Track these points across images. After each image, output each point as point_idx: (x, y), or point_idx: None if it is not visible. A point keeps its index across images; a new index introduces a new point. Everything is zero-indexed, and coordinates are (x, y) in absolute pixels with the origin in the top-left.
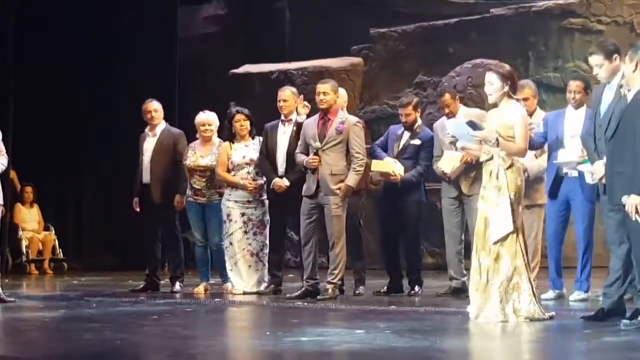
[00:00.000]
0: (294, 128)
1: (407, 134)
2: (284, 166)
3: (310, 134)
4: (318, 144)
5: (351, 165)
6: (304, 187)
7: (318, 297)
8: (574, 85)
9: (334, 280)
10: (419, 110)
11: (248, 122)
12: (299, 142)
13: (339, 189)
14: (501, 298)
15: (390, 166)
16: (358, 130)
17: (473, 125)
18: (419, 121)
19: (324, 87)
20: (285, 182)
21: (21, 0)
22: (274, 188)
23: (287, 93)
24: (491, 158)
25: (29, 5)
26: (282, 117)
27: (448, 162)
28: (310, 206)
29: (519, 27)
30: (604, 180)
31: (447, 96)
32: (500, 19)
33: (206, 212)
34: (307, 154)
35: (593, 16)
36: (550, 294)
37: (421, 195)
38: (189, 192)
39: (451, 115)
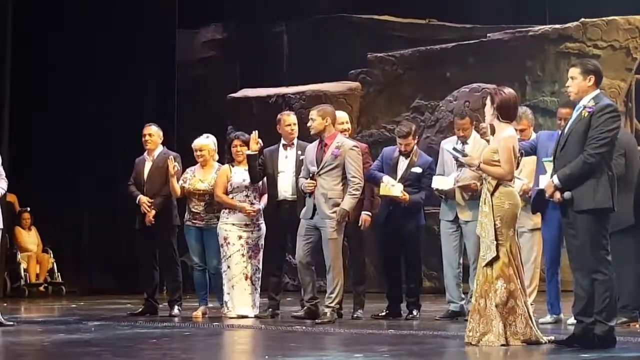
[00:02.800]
0: (299, 152)
1: (404, 160)
2: (289, 190)
3: (309, 159)
4: (314, 168)
5: (347, 189)
6: (302, 210)
7: (316, 321)
8: (562, 112)
9: (332, 304)
10: (417, 137)
11: (245, 148)
12: (302, 167)
13: (334, 212)
14: (503, 322)
15: (397, 190)
16: (354, 155)
17: (457, 151)
18: (415, 147)
19: (311, 113)
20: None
21: (17, 22)
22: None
23: (294, 118)
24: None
25: (26, 33)
26: (285, 142)
27: (443, 182)
28: (308, 228)
29: (516, 52)
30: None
31: (467, 120)
32: (498, 43)
33: (204, 236)
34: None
35: (589, 41)
36: (548, 318)
37: (421, 219)
38: (187, 215)
39: (462, 138)
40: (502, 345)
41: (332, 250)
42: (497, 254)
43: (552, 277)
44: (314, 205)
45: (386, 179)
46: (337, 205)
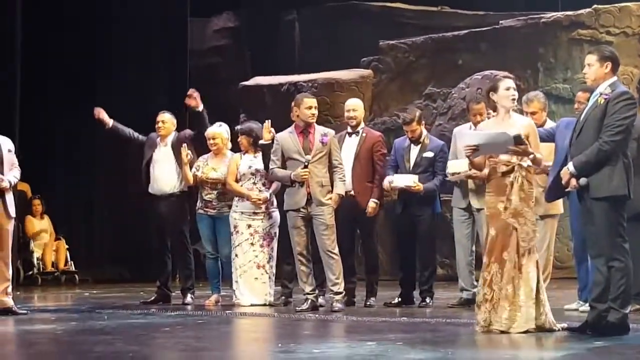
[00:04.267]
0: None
1: (415, 148)
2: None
3: (292, 149)
4: (308, 157)
5: (334, 175)
6: (290, 201)
7: (335, 308)
8: (580, 96)
9: (340, 290)
10: (423, 122)
11: (243, 138)
12: (274, 158)
13: (329, 199)
14: (534, 307)
15: (410, 180)
16: (336, 142)
17: (519, 138)
18: (424, 132)
19: (314, 102)
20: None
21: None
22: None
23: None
24: (512, 170)
25: (33, 20)
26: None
27: (459, 166)
28: (300, 219)
29: (528, 39)
30: (571, 184)
31: (482, 104)
32: (510, 30)
33: (216, 224)
34: (284, 169)
35: (602, 27)
36: (574, 305)
37: (436, 207)
38: (199, 203)
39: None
40: (530, 330)
41: (330, 237)
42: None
43: (581, 264)
44: (308, 194)
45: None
46: (329, 192)
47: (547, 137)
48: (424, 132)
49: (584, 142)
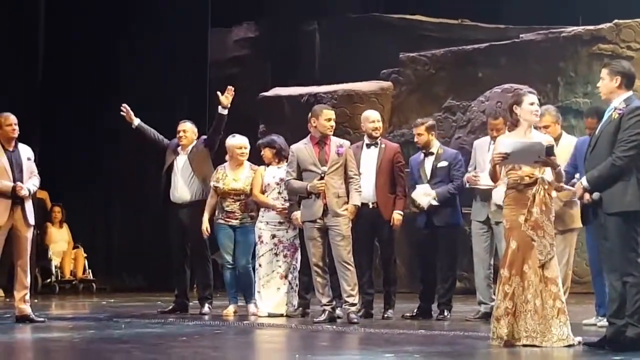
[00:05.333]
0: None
1: (429, 159)
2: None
3: (308, 160)
4: (325, 168)
5: (350, 186)
6: (306, 212)
7: (353, 320)
8: (587, 121)
9: (355, 301)
10: (434, 132)
11: (267, 150)
12: (289, 170)
13: (345, 210)
14: (567, 324)
15: (424, 200)
16: (352, 153)
17: (551, 150)
18: (438, 143)
19: (331, 113)
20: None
21: (51, 30)
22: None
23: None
24: (534, 182)
25: (57, 33)
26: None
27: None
28: (317, 230)
29: (548, 53)
30: (585, 198)
31: (500, 120)
32: (530, 44)
33: (237, 234)
34: (301, 180)
35: (623, 42)
36: (593, 320)
37: (458, 218)
38: (219, 214)
39: (495, 139)
40: (569, 345)
41: (346, 248)
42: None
43: (598, 278)
44: (324, 206)
45: (418, 189)
46: (345, 203)
47: (573, 167)
48: (437, 143)
49: (598, 157)
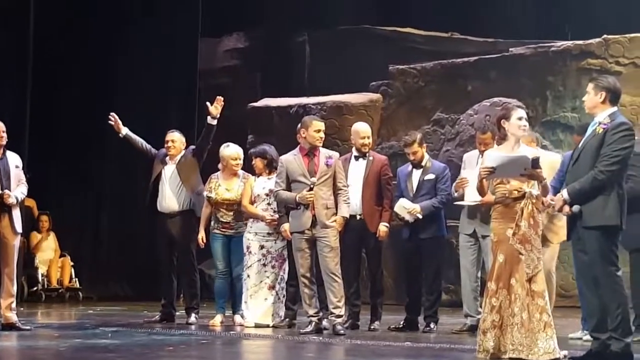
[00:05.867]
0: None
1: (417, 172)
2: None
3: (298, 171)
4: (314, 179)
5: (339, 198)
6: (295, 223)
7: (339, 331)
8: (575, 138)
9: (341, 313)
10: (424, 145)
11: (258, 160)
12: (278, 181)
13: (333, 221)
14: (553, 338)
15: (405, 212)
16: (340, 164)
17: (536, 163)
18: (427, 156)
19: (320, 124)
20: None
21: (41, 37)
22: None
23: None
24: (522, 196)
25: (47, 40)
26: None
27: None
28: (305, 242)
29: (537, 67)
30: (564, 210)
31: (489, 134)
32: (519, 58)
33: (232, 243)
34: (289, 191)
35: (611, 57)
36: (579, 333)
37: (440, 229)
38: (214, 224)
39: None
40: (556, 358)
41: (334, 259)
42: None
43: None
44: (313, 217)
45: (400, 202)
46: (334, 214)
47: (560, 182)
48: (426, 155)
49: (580, 170)
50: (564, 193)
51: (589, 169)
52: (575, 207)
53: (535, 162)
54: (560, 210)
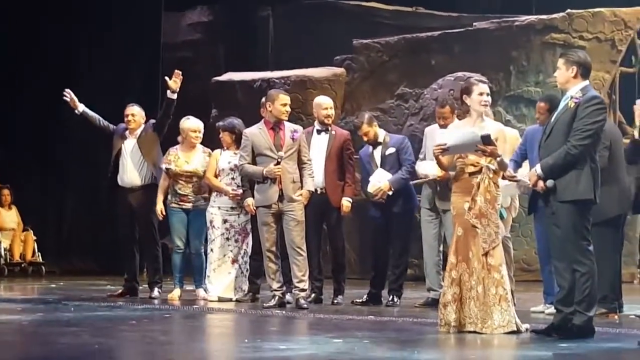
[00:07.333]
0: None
1: (377, 149)
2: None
3: (264, 145)
4: (282, 154)
5: (303, 171)
6: (260, 197)
7: (303, 305)
8: (540, 106)
9: (305, 287)
10: (375, 123)
11: (226, 135)
12: (243, 154)
13: (299, 195)
14: (509, 310)
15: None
16: (304, 138)
17: (488, 138)
18: (382, 132)
19: (288, 99)
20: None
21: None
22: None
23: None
24: (479, 171)
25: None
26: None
27: (426, 169)
28: (271, 216)
29: (501, 41)
30: (538, 185)
31: (447, 108)
32: (483, 32)
33: (190, 217)
34: (255, 165)
35: (575, 32)
36: (541, 307)
37: (410, 200)
38: (171, 197)
39: (443, 127)
40: (513, 331)
41: (300, 233)
42: (498, 242)
43: (546, 267)
44: (280, 191)
45: (372, 181)
46: (299, 188)
47: (522, 154)
48: (381, 131)
49: (552, 145)
50: (537, 168)
51: (562, 144)
52: (550, 182)
53: (485, 139)
54: (535, 185)
